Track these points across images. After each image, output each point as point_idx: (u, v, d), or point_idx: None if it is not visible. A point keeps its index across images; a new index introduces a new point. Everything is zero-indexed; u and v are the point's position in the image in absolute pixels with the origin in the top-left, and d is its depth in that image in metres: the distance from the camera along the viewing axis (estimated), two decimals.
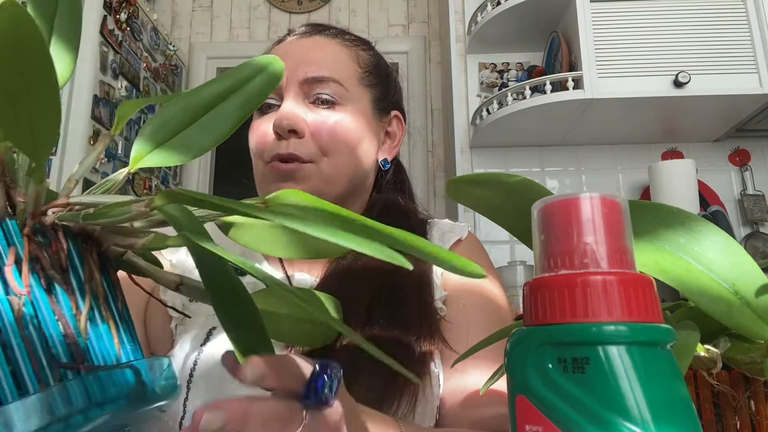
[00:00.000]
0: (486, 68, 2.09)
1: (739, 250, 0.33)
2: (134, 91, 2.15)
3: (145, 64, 2.25)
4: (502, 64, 2.08)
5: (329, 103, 0.69)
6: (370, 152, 0.73)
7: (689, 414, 0.21)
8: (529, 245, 0.28)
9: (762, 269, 0.32)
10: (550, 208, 0.24)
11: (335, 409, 0.33)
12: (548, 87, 1.73)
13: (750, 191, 1.93)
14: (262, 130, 0.70)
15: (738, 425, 0.38)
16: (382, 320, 0.60)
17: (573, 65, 1.77)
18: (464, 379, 0.60)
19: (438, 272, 0.68)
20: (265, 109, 0.72)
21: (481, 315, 0.65)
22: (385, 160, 0.77)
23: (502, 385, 0.40)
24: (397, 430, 0.46)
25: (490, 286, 0.68)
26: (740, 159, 1.97)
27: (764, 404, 0.37)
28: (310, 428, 0.32)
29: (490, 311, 0.66)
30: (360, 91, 0.72)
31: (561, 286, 0.22)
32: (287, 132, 0.67)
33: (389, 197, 0.76)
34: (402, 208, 0.75)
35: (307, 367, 0.32)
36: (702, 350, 0.36)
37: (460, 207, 1.79)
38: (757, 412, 0.37)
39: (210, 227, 0.71)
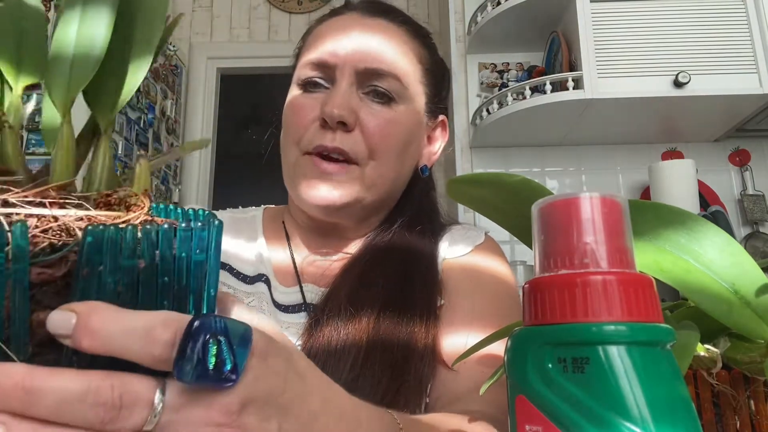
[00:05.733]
0: (486, 68, 2.09)
1: (739, 250, 0.33)
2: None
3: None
4: (502, 64, 2.08)
5: (385, 99, 0.63)
6: (414, 157, 0.69)
7: (689, 414, 0.21)
8: (529, 245, 0.28)
9: (762, 269, 0.32)
10: (550, 207, 0.24)
11: (252, 387, 0.24)
12: (548, 87, 1.73)
13: (750, 191, 1.93)
14: (304, 113, 0.64)
15: (738, 425, 0.38)
16: (390, 325, 0.58)
17: (573, 65, 1.77)
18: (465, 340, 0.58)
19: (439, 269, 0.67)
20: (309, 87, 0.65)
21: (478, 306, 0.63)
22: (425, 167, 0.71)
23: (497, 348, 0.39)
24: (390, 418, 0.38)
25: (493, 284, 0.66)
26: (740, 159, 1.97)
27: (764, 404, 0.37)
28: (187, 417, 0.23)
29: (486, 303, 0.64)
30: (417, 90, 0.67)
31: (561, 286, 0.22)
32: (336, 123, 0.61)
33: (418, 205, 0.71)
34: (425, 216, 0.71)
35: (176, 323, 0.23)
36: (702, 350, 0.36)
37: (460, 207, 1.79)
38: (757, 412, 0.37)
39: (249, 216, 0.67)
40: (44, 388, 0.20)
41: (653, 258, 0.32)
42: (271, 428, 0.25)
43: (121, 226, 0.23)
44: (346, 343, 0.56)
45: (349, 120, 0.61)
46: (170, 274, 0.24)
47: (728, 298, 0.31)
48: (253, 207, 0.81)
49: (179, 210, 0.30)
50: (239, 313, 0.29)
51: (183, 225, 0.25)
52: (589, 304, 0.21)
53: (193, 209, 0.29)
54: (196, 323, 0.22)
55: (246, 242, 0.72)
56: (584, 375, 0.21)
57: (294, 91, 0.67)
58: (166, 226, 0.24)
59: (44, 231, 0.23)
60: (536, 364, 0.22)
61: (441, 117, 0.73)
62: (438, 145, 0.74)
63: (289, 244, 0.72)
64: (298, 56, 0.73)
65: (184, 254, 0.24)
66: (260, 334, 0.26)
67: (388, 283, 0.62)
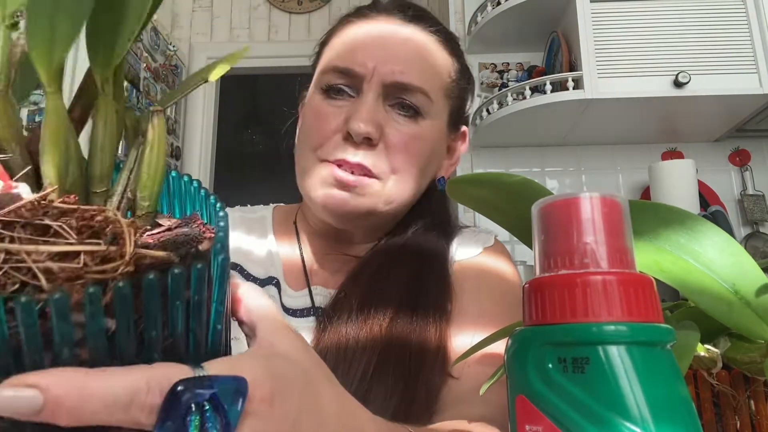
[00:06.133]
0: (486, 68, 2.09)
1: (739, 250, 0.33)
2: (134, 91, 2.15)
3: (145, 65, 2.25)
4: (502, 64, 2.08)
5: (411, 112, 0.62)
6: (434, 171, 0.68)
7: (689, 414, 0.21)
8: (529, 245, 0.28)
9: (762, 269, 0.32)
10: (550, 208, 0.24)
11: None
12: (548, 87, 1.73)
13: (750, 191, 1.93)
14: (326, 121, 0.61)
15: (738, 425, 0.38)
16: (403, 333, 0.56)
17: (573, 65, 1.77)
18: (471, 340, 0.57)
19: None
20: (332, 94, 0.63)
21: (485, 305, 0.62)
22: (441, 178, 0.70)
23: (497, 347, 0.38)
24: None
25: (500, 284, 0.65)
26: (740, 159, 1.97)
27: (764, 404, 0.37)
28: None
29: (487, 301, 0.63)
30: (443, 104, 0.66)
31: (561, 286, 0.22)
32: (362, 139, 0.59)
33: (432, 213, 0.70)
34: (438, 221, 0.70)
35: (161, 385, 0.20)
36: (702, 350, 0.36)
37: (460, 207, 1.79)
38: (757, 412, 0.37)
39: (259, 215, 0.61)
40: None
41: (653, 258, 0.32)
42: None
43: (95, 278, 0.19)
44: (356, 351, 0.55)
45: (374, 136, 0.59)
46: (159, 328, 0.20)
47: (728, 298, 0.31)
48: (262, 205, 0.80)
49: (193, 184, 0.27)
50: (255, 299, 0.28)
51: (176, 270, 0.20)
52: (589, 304, 0.21)
53: (206, 192, 0.27)
54: (179, 388, 0.20)
55: (257, 240, 0.72)
56: (584, 375, 0.21)
57: (315, 95, 0.65)
58: (151, 276, 0.19)
59: (7, 272, 0.19)
60: (536, 364, 0.22)
61: (462, 128, 0.72)
62: (457, 156, 0.72)
63: (300, 245, 0.71)
64: (319, 54, 0.70)
65: (178, 302, 0.21)
66: (266, 376, 0.23)
67: (400, 288, 0.60)
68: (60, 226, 0.21)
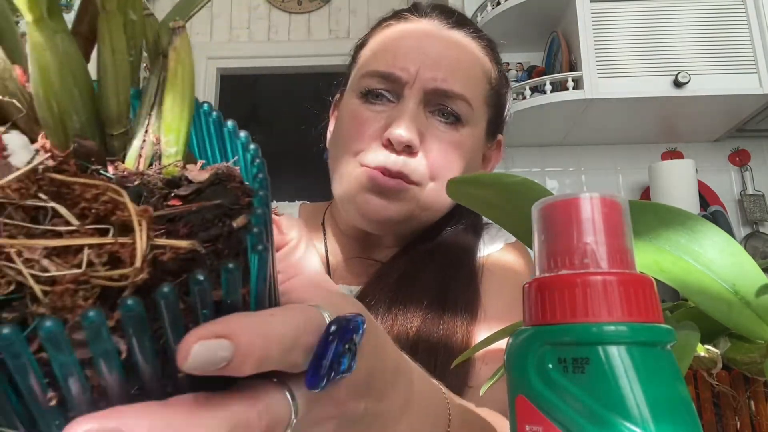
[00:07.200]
0: None
1: (739, 250, 0.33)
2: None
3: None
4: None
5: (451, 119, 0.61)
6: None
7: (689, 414, 0.21)
8: (530, 245, 0.28)
9: (762, 269, 0.32)
10: (550, 208, 0.24)
11: (356, 372, 0.22)
12: (548, 87, 1.73)
13: (750, 191, 1.93)
14: (366, 127, 0.61)
15: (738, 425, 0.38)
16: (432, 331, 0.56)
17: (573, 65, 1.77)
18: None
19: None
20: (371, 98, 0.62)
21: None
22: None
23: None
24: (443, 397, 0.37)
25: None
26: (740, 159, 1.97)
27: (764, 404, 0.37)
28: (310, 419, 0.21)
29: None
30: (482, 112, 0.65)
31: (561, 286, 0.22)
32: (403, 147, 0.59)
33: (462, 218, 0.70)
34: (468, 224, 0.69)
35: (315, 326, 0.20)
36: (702, 350, 0.36)
37: None
38: (757, 412, 0.37)
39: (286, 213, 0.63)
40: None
41: (653, 258, 0.32)
42: (359, 409, 0.25)
43: (102, 285, 0.15)
44: None
45: (415, 144, 0.59)
46: (195, 322, 0.17)
47: (728, 298, 0.31)
48: (287, 202, 0.79)
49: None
50: (314, 262, 0.27)
51: (199, 277, 0.16)
52: (590, 304, 0.21)
53: (234, 127, 0.21)
54: (333, 328, 0.20)
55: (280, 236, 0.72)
56: (584, 375, 0.21)
57: (353, 99, 0.64)
58: (166, 289, 0.16)
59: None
60: (536, 364, 0.22)
61: (498, 136, 0.72)
62: (492, 165, 0.72)
63: (326, 245, 0.71)
64: (356, 57, 0.69)
65: (205, 311, 0.17)
66: (367, 316, 0.24)
67: (428, 293, 0.60)
68: (57, 208, 0.17)
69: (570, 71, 1.74)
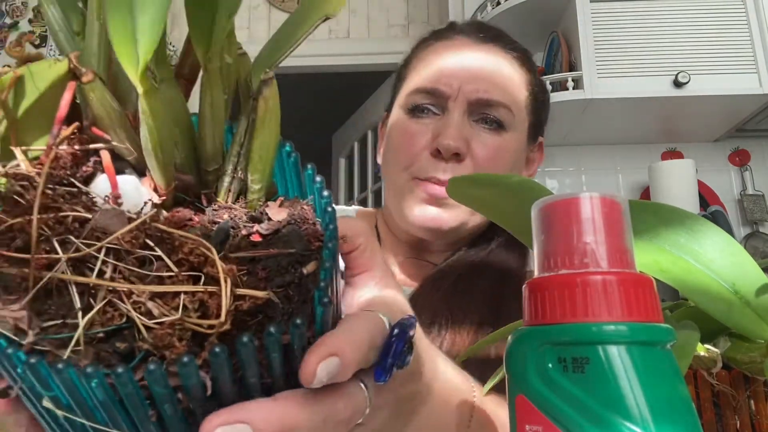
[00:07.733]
0: None
1: (739, 250, 0.33)
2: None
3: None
4: None
5: (494, 126, 0.65)
6: None
7: (689, 414, 0.21)
8: (530, 245, 0.28)
9: (762, 269, 0.32)
10: (550, 207, 0.24)
11: (408, 368, 0.26)
12: (548, 87, 1.73)
13: (750, 191, 1.93)
14: (415, 140, 0.65)
15: (738, 425, 0.38)
16: (489, 329, 0.58)
17: (573, 65, 1.77)
18: None
19: None
20: (417, 113, 0.67)
21: None
22: None
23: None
24: (470, 387, 0.40)
25: None
26: (740, 159, 1.97)
27: (764, 404, 0.37)
28: (375, 409, 0.25)
29: None
30: (523, 118, 0.69)
31: (561, 285, 0.22)
32: (451, 155, 0.63)
33: None
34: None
35: (381, 330, 0.24)
36: (702, 350, 0.36)
37: None
38: (757, 412, 0.37)
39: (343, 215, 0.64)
40: (297, 425, 0.21)
41: (653, 258, 0.32)
42: (407, 392, 0.28)
43: (192, 329, 0.19)
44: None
45: (463, 151, 0.63)
46: (257, 375, 0.21)
47: (728, 298, 0.31)
48: (343, 205, 0.83)
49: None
50: (380, 261, 0.29)
51: (272, 330, 0.19)
52: (589, 304, 0.21)
53: (312, 172, 0.24)
54: (396, 331, 0.24)
55: None
56: (584, 375, 0.21)
57: (400, 114, 0.68)
58: (245, 339, 0.19)
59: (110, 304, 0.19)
60: (536, 364, 0.22)
61: (540, 138, 0.75)
62: (535, 167, 0.75)
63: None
64: (401, 77, 0.74)
65: (275, 355, 0.20)
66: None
67: (482, 301, 0.62)
68: (160, 257, 0.20)
69: (570, 71, 1.74)
